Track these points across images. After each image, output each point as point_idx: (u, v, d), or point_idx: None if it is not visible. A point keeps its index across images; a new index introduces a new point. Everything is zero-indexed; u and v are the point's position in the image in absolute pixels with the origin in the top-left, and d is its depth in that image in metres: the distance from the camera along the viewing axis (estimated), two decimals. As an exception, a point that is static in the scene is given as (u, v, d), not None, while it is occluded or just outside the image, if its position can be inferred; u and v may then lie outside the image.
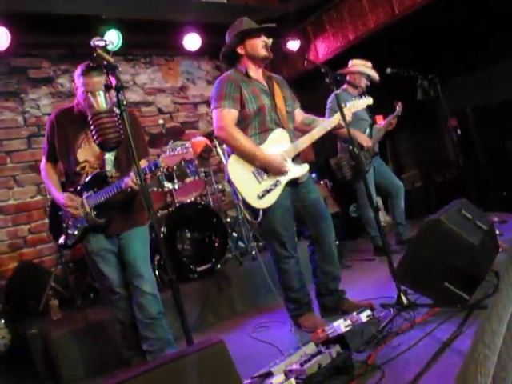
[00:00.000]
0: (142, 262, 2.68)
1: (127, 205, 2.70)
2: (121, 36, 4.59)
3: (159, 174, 4.13)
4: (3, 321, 3.39)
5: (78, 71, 2.54)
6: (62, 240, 2.74)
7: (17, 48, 4.40)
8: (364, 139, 4.21)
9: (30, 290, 3.89)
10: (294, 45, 5.69)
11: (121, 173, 2.64)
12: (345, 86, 4.39)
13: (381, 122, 4.91)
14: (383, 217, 5.77)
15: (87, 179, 2.64)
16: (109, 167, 2.64)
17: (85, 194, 2.63)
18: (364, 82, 4.30)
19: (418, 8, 4.58)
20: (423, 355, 1.93)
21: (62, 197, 2.65)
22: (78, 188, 2.67)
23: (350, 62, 4.38)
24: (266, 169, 2.76)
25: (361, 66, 4.30)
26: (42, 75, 4.85)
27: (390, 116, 4.54)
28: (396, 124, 4.57)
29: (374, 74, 4.26)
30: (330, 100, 4.30)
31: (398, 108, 4.54)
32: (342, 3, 5.34)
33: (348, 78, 4.36)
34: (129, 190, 2.49)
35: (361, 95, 3.27)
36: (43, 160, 2.82)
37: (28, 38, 4.48)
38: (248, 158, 2.76)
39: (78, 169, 2.66)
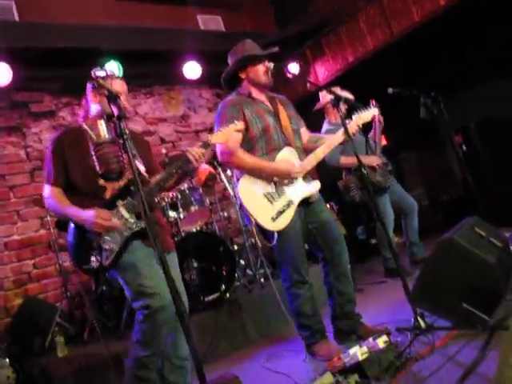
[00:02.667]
0: (183, 291, 2.42)
1: (161, 222, 2.53)
2: (121, 67, 4.62)
3: (164, 203, 4.09)
4: (8, 360, 3.29)
5: (89, 85, 2.43)
6: (94, 262, 2.29)
7: (18, 83, 4.44)
8: (371, 160, 4.13)
9: (35, 326, 3.79)
10: (293, 69, 5.73)
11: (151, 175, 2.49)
12: (326, 120, 4.38)
13: (384, 142, 4.85)
14: (392, 237, 5.67)
15: (121, 187, 2.35)
16: (143, 170, 2.44)
17: (119, 203, 2.34)
18: (343, 107, 4.21)
19: (416, 27, 4.60)
20: (446, 382, 1.85)
21: (90, 213, 2.27)
22: (106, 201, 2.35)
23: (320, 96, 4.38)
24: (278, 177, 2.71)
25: (328, 94, 4.21)
26: (43, 109, 4.86)
27: (375, 118, 4.36)
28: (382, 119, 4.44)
29: (346, 94, 4.17)
30: (324, 126, 4.28)
31: (374, 107, 4.35)
32: (339, 26, 5.38)
33: (326, 110, 4.38)
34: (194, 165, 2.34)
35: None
36: (48, 188, 2.40)
37: (29, 72, 4.52)
38: (257, 172, 2.72)
39: (100, 182, 2.34)
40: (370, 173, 4.05)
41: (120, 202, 2.33)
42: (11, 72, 4.16)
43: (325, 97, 4.34)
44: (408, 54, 5.05)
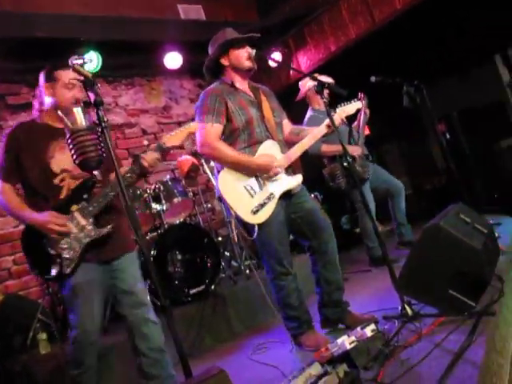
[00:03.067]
0: (142, 290, 2.44)
1: (123, 219, 2.42)
2: (100, 58, 4.52)
3: (146, 195, 4.03)
4: (-12, 358, 3.22)
5: (46, 69, 2.36)
6: (54, 271, 2.24)
7: (-6, 75, 4.32)
8: (353, 149, 4.10)
9: (16, 324, 3.71)
10: (276, 58, 5.67)
11: (105, 178, 2.42)
12: (310, 108, 4.35)
13: (367, 132, 4.84)
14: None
15: (74, 189, 2.30)
16: (95, 172, 2.35)
17: (74, 208, 2.27)
18: (325, 93, 4.17)
19: (398, 15, 4.58)
20: (435, 368, 1.84)
21: (43, 215, 2.22)
22: (60, 203, 2.28)
23: (300, 86, 4.37)
24: (258, 172, 2.67)
25: (309, 81, 4.19)
26: (21, 101, 4.73)
27: (361, 109, 4.36)
28: (369, 111, 4.44)
29: (326, 79, 4.14)
30: (306, 122, 4.24)
31: (363, 101, 4.32)
32: (321, 15, 5.33)
33: (308, 98, 4.36)
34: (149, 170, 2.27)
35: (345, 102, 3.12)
36: None
37: (5, 64, 4.39)
38: (236, 166, 2.67)
39: (56, 181, 2.30)
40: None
41: (75, 207, 2.28)
42: (-15, 63, 4.04)
43: (305, 85, 4.31)
44: (390, 42, 5.04)
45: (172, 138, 2.36)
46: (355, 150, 4.13)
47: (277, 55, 5.60)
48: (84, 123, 1.74)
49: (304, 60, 5.66)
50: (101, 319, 2.38)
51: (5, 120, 4.61)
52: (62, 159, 2.32)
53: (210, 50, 2.86)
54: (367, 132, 5.18)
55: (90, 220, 2.28)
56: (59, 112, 2.15)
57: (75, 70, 1.74)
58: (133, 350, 2.39)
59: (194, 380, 1.46)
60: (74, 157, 1.77)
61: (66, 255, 2.23)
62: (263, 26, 5.51)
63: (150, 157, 2.31)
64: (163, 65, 5.22)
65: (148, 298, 2.49)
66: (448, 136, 4.18)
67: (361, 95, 4.15)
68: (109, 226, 2.29)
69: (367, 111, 4.42)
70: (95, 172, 2.35)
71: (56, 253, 2.25)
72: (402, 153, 7.50)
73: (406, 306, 2.42)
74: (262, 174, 2.69)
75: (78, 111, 1.74)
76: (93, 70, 4.51)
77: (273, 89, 6.04)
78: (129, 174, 2.30)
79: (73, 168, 2.30)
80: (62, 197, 2.31)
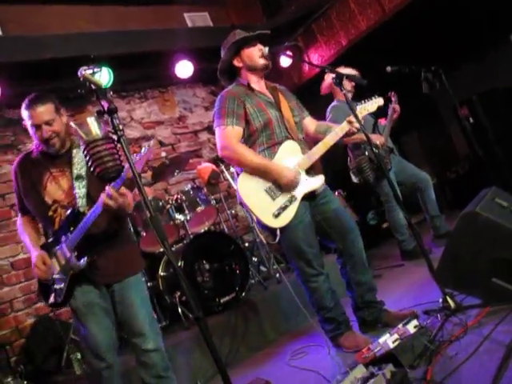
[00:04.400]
0: (141, 319, 2.34)
1: (111, 247, 2.36)
2: (112, 73, 4.51)
3: (168, 206, 3.98)
4: (25, 382, 3.21)
5: (22, 108, 2.34)
6: (51, 299, 2.34)
7: (9, 99, 4.33)
8: (376, 137, 4.03)
9: (49, 345, 3.71)
10: (286, 60, 5.61)
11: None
12: (335, 98, 4.28)
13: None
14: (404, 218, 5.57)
15: (61, 223, 2.34)
16: (80, 201, 2.32)
17: (63, 239, 2.30)
18: (348, 85, 4.12)
19: (409, 2, 4.47)
20: (488, 362, 1.73)
21: (33, 256, 2.34)
22: (52, 238, 2.35)
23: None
24: (278, 182, 2.59)
25: (341, 69, 4.15)
26: (37, 124, 4.75)
27: (391, 106, 4.34)
28: (399, 112, 4.38)
29: (351, 71, 4.09)
30: (328, 111, 4.17)
31: (393, 98, 4.35)
32: (329, 10, 5.24)
33: (332, 91, 4.30)
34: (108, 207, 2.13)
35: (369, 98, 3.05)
36: (18, 216, 2.53)
37: (19, 87, 4.39)
38: (258, 172, 2.59)
39: (50, 213, 2.35)
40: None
41: (63, 238, 2.31)
42: (0, 89, 4.06)
43: (327, 79, 4.22)
44: (403, 30, 4.92)
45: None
46: (377, 138, 4.05)
47: (286, 59, 5.56)
48: (99, 133, 1.69)
49: (316, 57, 5.57)
50: (110, 340, 2.33)
51: (23, 143, 4.63)
52: (53, 190, 2.37)
53: (222, 53, 2.80)
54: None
55: (74, 252, 2.27)
56: (72, 123, 2.13)
57: (86, 79, 1.69)
58: None
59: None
60: (92, 168, 1.73)
61: (56, 286, 2.33)
62: (271, 28, 5.44)
63: (105, 196, 2.16)
64: (175, 75, 5.20)
65: (150, 327, 2.38)
66: (472, 120, 4.04)
67: (391, 93, 4.26)
68: (83, 261, 2.24)
69: (398, 108, 4.34)
70: (79, 203, 2.32)
71: (52, 282, 2.34)
72: (423, 142, 7.36)
73: (447, 298, 2.30)
74: (282, 183, 2.59)
75: (91, 121, 1.70)
76: (105, 86, 4.51)
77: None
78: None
79: (63, 198, 2.36)
80: (55, 228, 2.36)
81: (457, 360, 1.87)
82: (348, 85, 4.10)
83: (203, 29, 5.48)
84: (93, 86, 1.68)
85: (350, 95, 3.99)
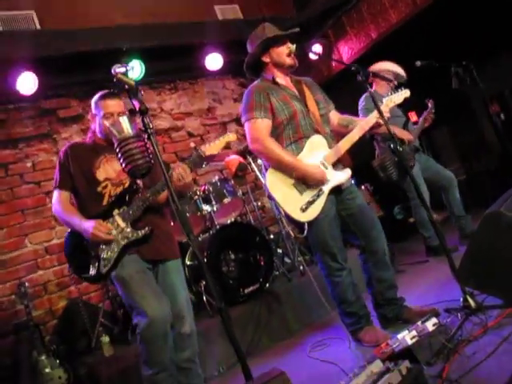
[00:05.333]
0: (181, 300, 2.47)
1: (163, 225, 2.57)
2: (143, 65, 4.62)
3: (195, 197, 4.07)
4: (58, 361, 3.37)
5: (94, 100, 2.59)
6: (93, 271, 2.39)
7: (45, 90, 4.50)
8: (404, 134, 4.02)
9: (80, 328, 3.87)
10: (316, 52, 5.60)
11: (146, 184, 2.53)
12: (374, 87, 4.25)
13: (415, 119, 4.73)
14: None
15: (117, 195, 2.49)
16: (138, 180, 2.52)
17: (115, 212, 2.45)
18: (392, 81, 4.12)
19: (442, -5, 4.40)
20: (506, 364, 1.74)
21: (90, 224, 2.37)
22: (103, 209, 2.47)
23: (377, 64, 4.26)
24: (305, 180, 2.63)
25: (387, 63, 4.15)
26: (71, 114, 4.90)
27: (425, 113, 4.35)
28: (433, 120, 4.37)
29: (401, 71, 4.10)
30: (362, 100, 4.16)
31: (430, 105, 4.34)
32: (360, 2, 5.21)
33: (374, 79, 4.25)
34: (179, 183, 2.36)
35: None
36: (56, 193, 2.58)
37: (54, 79, 4.57)
38: (286, 169, 2.63)
39: (99, 189, 2.50)
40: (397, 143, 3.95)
41: (116, 211, 2.45)
42: (37, 80, 4.22)
43: (382, 66, 4.18)
44: (434, 24, 4.84)
45: (211, 148, 2.51)
46: (405, 135, 4.04)
47: (317, 47, 5.53)
48: (130, 131, 1.78)
49: (345, 50, 5.55)
50: (168, 308, 2.36)
51: (58, 133, 4.79)
52: (107, 169, 2.55)
53: (250, 47, 2.83)
54: (415, 119, 5.05)
55: (129, 223, 2.43)
56: (105, 121, 2.29)
57: (118, 79, 1.77)
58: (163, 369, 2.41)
59: (254, 383, 1.45)
60: (123, 165, 1.82)
61: (103, 255, 2.39)
62: (301, 20, 5.46)
63: (179, 170, 2.40)
64: (204, 67, 5.27)
65: (189, 310, 2.51)
66: (503, 116, 3.97)
67: (428, 100, 4.30)
68: (146, 228, 2.42)
69: (430, 117, 4.32)
70: (138, 181, 2.49)
71: (95, 254, 2.41)
72: (453, 137, 7.23)
73: (468, 298, 2.31)
74: (310, 181, 2.64)
75: (124, 120, 1.78)
76: (137, 78, 4.62)
77: (315, 81, 6.00)
78: (158, 189, 2.43)
79: (115, 176, 2.53)
80: (104, 203, 2.50)
81: (474, 360, 1.88)
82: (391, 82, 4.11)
83: (233, 21, 5.51)
84: (126, 86, 1.75)
85: (390, 87, 3.97)
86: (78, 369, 3.39)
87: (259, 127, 2.64)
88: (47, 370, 3.30)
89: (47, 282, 4.37)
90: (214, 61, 5.22)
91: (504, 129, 3.98)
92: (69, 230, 2.57)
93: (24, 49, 4.08)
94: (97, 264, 2.39)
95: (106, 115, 2.52)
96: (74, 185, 2.55)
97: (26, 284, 3.60)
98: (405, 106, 4.26)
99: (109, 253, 2.38)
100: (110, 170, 2.55)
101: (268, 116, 2.66)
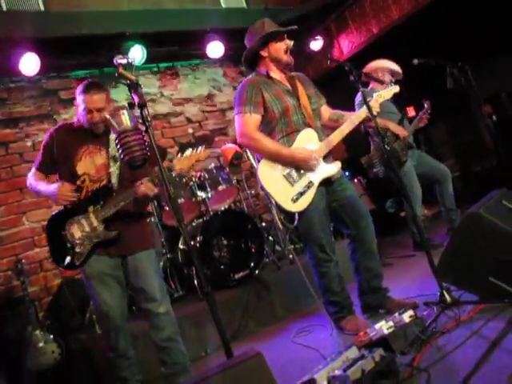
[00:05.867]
0: (154, 285, 2.60)
1: (134, 223, 2.66)
2: (145, 50, 4.68)
3: (191, 183, 4.17)
4: (52, 336, 3.48)
5: (78, 89, 2.61)
6: (68, 260, 2.55)
7: (47, 71, 4.56)
8: (399, 129, 4.10)
9: (74, 305, 3.98)
10: (317, 44, 5.66)
11: (123, 188, 2.60)
12: (371, 86, 4.33)
13: (413, 114, 4.81)
14: (421, 210, 5.62)
15: (93, 191, 2.58)
16: (113, 179, 2.60)
17: (90, 209, 2.55)
18: (388, 78, 4.20)
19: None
20: (471, 356, 1.86)
21: (54, 186, 2.54)
22: (80, 202, 2.56)
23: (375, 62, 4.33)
24: (296, 165, 2.72)
25: (383, 61, 4.23)
26: (72, 95, 4.94)
27: (420, 113, 4.43)
28: (428, 120, 4.45)
29: (397, 68, 4.18)
30: (357, 97, 4.24)
31: (426, 106, 4.42)
32: (363, -3, 5.25)
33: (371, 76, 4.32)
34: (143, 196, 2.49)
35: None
36: (32, 171, 2.73)
37: (57, 60, 4.62)
38: (275, 158, 2.73)
39: (78, 182, 2.59)
40: (391, 138, 4.03)
41: (91, 208, 2.55)
42: (39, 61, 4.27)
43: (379, 64, 4.26)
44: (434, 23, 4.90)
45: (181, 162, 2.53)
46: (400, 130, 4.12)
47: (317, 43, 5.59)
48: (129, 124, 1.87)
49: (346, 43, 5.60)
50: (120, 307, 2.59)
51: (58, 113, 4.87)
52: (87, 163, 2.62)
53: (248, 41, 2.91)
54: (413, 114, 5.13)
55: (101, 222, 2.53)
56: (105, 114, 2.35)
57: (120, 74, 1.85)
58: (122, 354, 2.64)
59: (231, 361, 1.57)
60: (122, 156, 1.91)
61: (77, 249, 2.54)
62: (304, 12, 5.49)
63: (144, 186, 2.48)
64: (206, 54, 5.32)
65: (162, 293, 2.65)
66: (495, 118, 4.04)
67: (425, 101, 4.37)
68: (115, 232, 2.54)
69: (425, 117, 4.39)
70: (113, 181, 2.59)
71: (71, 245, 2.56)
72: (451, 134, 7.30)
73: (444, 293, 2.43)
74: (299, 166, 2.74)
75: (124, 113, 1.87)
76: (138, 63, 4.68)
77: (314, 74, 6.04)
78: (121, 201, 2.52)
79: (94, 173, 2.61)
80: (82, 196, 2.59)
81: (444, 350, 2.01)
82: (387, 77, 4.19)
83: (236, 10, 5.55)
84: (128, 81, 1.83)
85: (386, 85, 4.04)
86: (71, 344, 3.50)
87: (247, 122, 2.73)
88: (41, 345, 3.41)
89: (43, 260, 4.48)
90: (215, 49, 5.27)
91: (497, 130, 4.05)
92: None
93: (27, 29, 4.14)
94: (71, 256, 2.55)
95: (87, 109, 2.56)
96: (54, 169, 2.68)
97: (23, 261, 3.70)
98: (402, 103, 4.35)
99: (81, 247, 2.53)
100: (90, 164, 2.61)
101: (258, 111, 2.75)
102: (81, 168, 2.60)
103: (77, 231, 2.55)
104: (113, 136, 2.56)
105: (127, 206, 2.55)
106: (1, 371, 3.51)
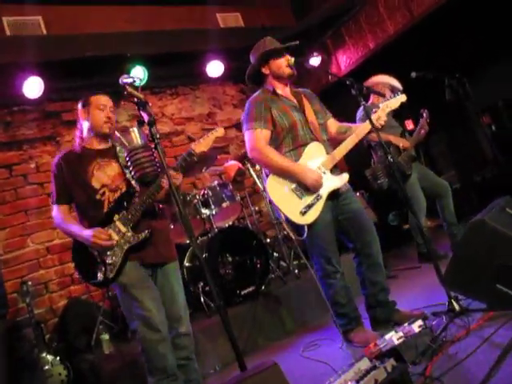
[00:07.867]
0: (179, 303, 2.56)
1: (161, 229, 2.60)
2: (146, 71, 4.74)
3: (195, 201, 4.19)
4: (58, 358, 3.47)
5: (82, 99, 2.66)
6: (100, 276, 2.45)
7: (50, 94, 4.62)
8: (399, 140, 4.15)
9: (81, 326, 3.97)
10: (315, 60, 5.74)
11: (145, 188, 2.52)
12: (371, 100, 4.39)
13: (411, 127, 4.85)
14: (424, 222, 5.63)
15: (115, 200, 2.52)
16: (133, 183, 2.52)
17: (115, 217, 2.49)
18: (388, 93, 4.25)
19: (438, 7, 4.53)
20: (484, 363, 1.86)
21: (89, 233, 2.42)
22: (104, 216, 2.50)
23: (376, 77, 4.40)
24: (303, 182, 2.74)
25: (384, 76, 4.30)
26: (74, 117, 4.98)
27: (421, 121, 4.47)
28: (428, 130, 4.49)
29: (398, 84, 4.25)
30: (359, 111, 4.29)
31: (424, 115, 4.47)
32: (358, 13, 5.35)
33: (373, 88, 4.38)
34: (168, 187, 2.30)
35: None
36: (54, 208, 2.61)
37: (59, 83, 4.69)
38: (284, 174, 2.77)
39: (98, 197, 2.53)
40: (394, 151, 4.07)
41: (116, 217, 2.49)
42: (43, 84, 4.33)
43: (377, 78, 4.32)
44: (430, 36, 4.98)
45: (200, 145, 2.56)
46: (400, 141, 4.16)
47: (315, 60, 5.67)
48: (140, 141, 1.90)
49: (343, 59, 5.68)
50: (164, 314, 2.45)
51: (61, 135, 4.91)
52: (101, 176, 2.56)
53: (252, 59, 2.99)
54: (412, 126, 5.18)
55: (130, 227, 2.48)
56: (117, 133, 2.37)
57: (128, 93, 1.89)
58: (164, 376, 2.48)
59: (248, 372, 1.57)
60: (133, 172, 1.94)
61: (109, 261, 2.45)
62: (301, 29, 5.59)
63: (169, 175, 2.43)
64: (206, 73, 5.39)
65: (186, 311, 2.61)
66: (494, 128, 4.09)
67: (423, 110, 4.39)
68: (146, 231, 2.47)
69: (425, 125, 4.42)
70: (133, 183, 2.52)
71: (101, 259, 2.47)
72: (450, 145, 7.34)
73: (452, 302, 2.44)
74: (307, 183, 2.74)
75: (134, 131, 1.91)
76: (139, 84, 4.74)
77: (314, 89, 6.10)
78: (146, 198, 2.45)
79: (110, 182, 2.56)
80: (105, 209, 2.53)
81: (455, 359, 2.01)
82: (387, 92, 4.24)
83: (234, 29, 5.64)
84: (135, 99, 1.87)
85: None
86: (78, 365, 3.49)
87: (258, 137, 2.79)
88: (47, 367, 3.40)
89: (48, 281, 4.48)
90: (214, 68, 5.35)
91: (496, 140, 4.09)
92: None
93: (31, 54, 4.20)
94: (103, 269, 2.45)
95: (100, 106, 2.58)
96: (71, 195, 2.58)
97: (29, 283, 3.70)
98: (401, 116, 4.39)
99: (113, 258, 2.45)
100: (103, 176, 2.57)
101: (267, 127, 2.80)
102: (96, 182, 2.55)
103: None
104: (120, 148, 2.57)
105: (152, 206, 2.50)
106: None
